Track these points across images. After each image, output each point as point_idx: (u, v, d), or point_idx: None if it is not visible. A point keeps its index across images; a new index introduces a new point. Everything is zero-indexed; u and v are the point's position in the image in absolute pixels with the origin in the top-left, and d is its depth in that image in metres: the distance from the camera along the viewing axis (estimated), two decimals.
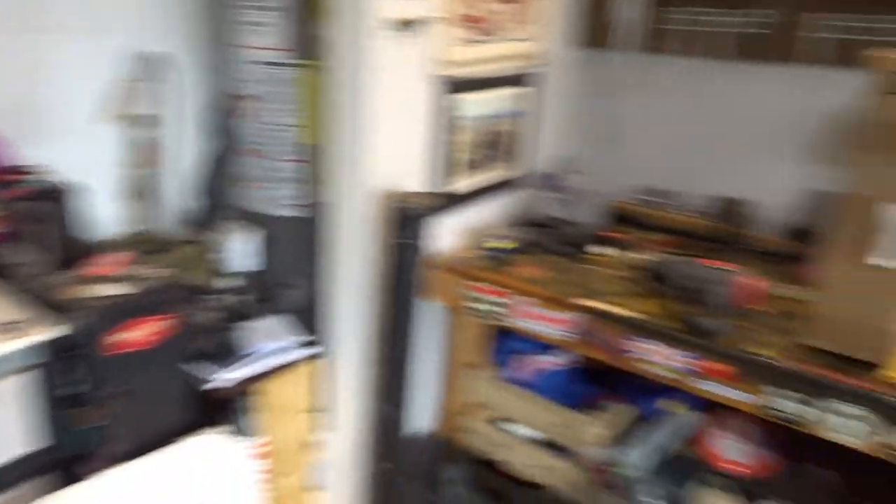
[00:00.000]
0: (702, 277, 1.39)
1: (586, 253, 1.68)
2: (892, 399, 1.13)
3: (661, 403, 1.57)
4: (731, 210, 1.75)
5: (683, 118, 1.83)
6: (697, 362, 1.30)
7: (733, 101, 1.76)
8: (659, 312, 1.39)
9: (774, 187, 1.73)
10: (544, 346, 1.68)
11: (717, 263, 1.40)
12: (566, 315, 1.46)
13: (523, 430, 1.70)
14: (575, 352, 1.62)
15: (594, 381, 1.71)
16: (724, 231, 1.73)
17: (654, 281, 1.47)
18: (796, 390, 1.21)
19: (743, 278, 1.36)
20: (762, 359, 1.24)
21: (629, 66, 1.88)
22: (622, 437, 1.53)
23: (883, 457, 1.15)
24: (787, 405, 1.22)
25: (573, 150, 2.00)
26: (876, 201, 1.14)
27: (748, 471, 1.47)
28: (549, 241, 1.70)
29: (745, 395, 1.26)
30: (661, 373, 1.36)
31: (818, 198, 1.66)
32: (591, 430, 1.53)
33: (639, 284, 1.50)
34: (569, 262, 1.64)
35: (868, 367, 1.20)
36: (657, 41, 1.81)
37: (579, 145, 2.00)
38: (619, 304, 1.43)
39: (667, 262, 1.46)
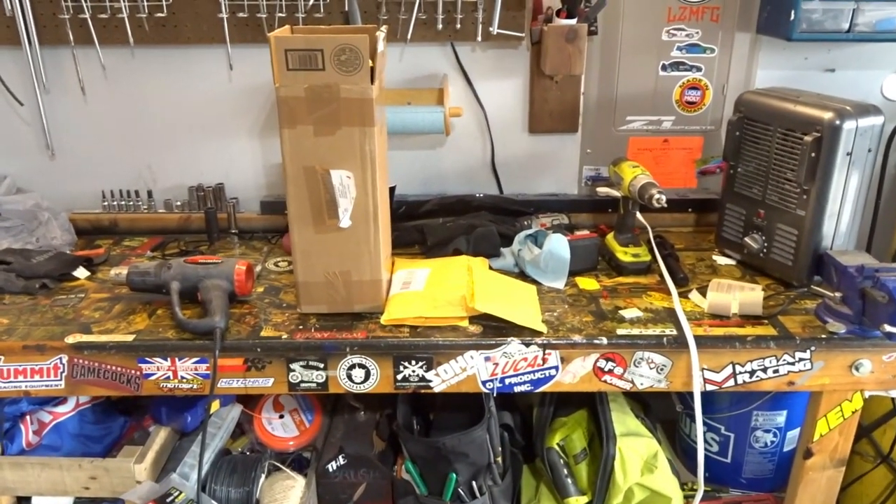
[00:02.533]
0: (193, 277, 1.30)
1: (62, 281, 1.44)
2: (385, 340, 1.24)
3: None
4: (205, 197, 1.69)
5: (128, 111, 1.66)
6: (207, 366, 1.23)
7: (175, 86, 1.64)
8: (157, 326, 1.27)
9: (242, 166, 1.71)
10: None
11: (203, 258, 1.33)
12: (51, 362, 1.23)
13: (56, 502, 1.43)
14: (79, 395, 1.40)
15: (122, 410, 1.52)
16: (204, 219, 1.66)
17: (146, 290, 1.33)
18: (309, 360, 1.24)
19: (234, 265, 1.32)
20: (266, 342, 1.23)
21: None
22: (170, 461, 1.40)
23: (393, 391, 1.27)
24: (307, 374, 1.25)
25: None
26: (317, 169, 1.18)
27: (298, 442, 1.50)
28: (3, 280, 1.40)
29: (264, 380, 1.25)
30: (182, 386, 1.25)
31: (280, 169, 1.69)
32: (133, 469, 1.35)
33: (127, 302, 1.35)
34: (39, 299, 1.38)
35: (370, 316, 1.29)
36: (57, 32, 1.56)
37: (7, 158, 1.69)
38: (113, 330, 1.26)
39: (143, 271, 1.33)
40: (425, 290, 1.34)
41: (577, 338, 1.24)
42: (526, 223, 1.65)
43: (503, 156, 1.73)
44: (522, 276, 1.47)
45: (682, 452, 1.67)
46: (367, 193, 1.22)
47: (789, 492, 1.44)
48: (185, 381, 1.25)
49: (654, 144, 1.74)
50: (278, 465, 1.41)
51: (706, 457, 1.42)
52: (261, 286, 1.43)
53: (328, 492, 1.47)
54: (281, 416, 1.52)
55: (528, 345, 1.24)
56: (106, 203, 1.70)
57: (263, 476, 1.39)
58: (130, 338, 1.23)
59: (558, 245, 1.44)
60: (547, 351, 1.24)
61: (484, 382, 1.26)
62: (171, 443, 1.44)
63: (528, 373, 1.26)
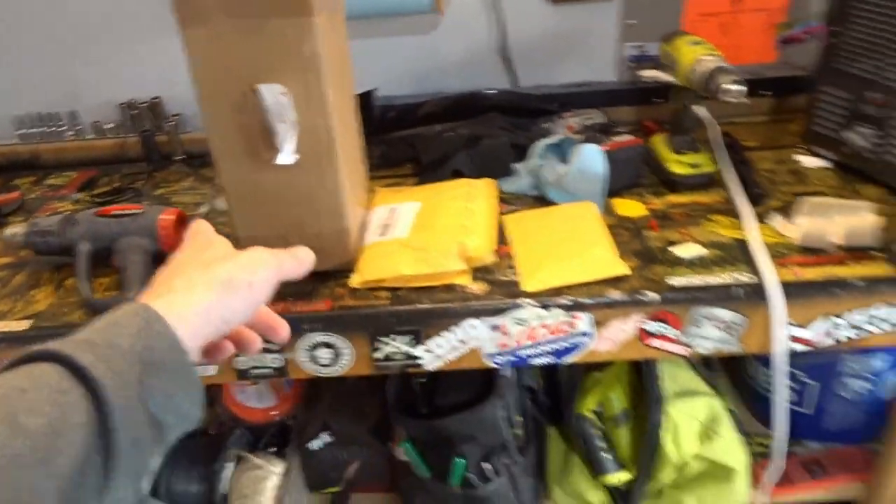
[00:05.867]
0: (106, 235, 0.99)
1: None
2: (355, 311, 0.93)
3: None
4: (140, 115, 1.34)
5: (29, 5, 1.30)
6: None
7: None
8: (63, 303, 0.98)
9: (184, 71, 1.33)
10: None
11: (119, 208, 1.01)
12: None
13: None
14: None
15: None
16: (140, 144, 1.33)
17: (52, 254, 1.03)
18: None
19: (157, 216, 1.00)
20: None
21: None
22: None
23: (373, 372, 0.98)
24: (259, 359, 0.96)
25: None
26: (243, 83, 0.83)
27: (278, 410, 1.25)
28: None
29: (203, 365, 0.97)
30: None
31: None
32: None
33: (34, 268, 1.06)
34: None
35: (338, 276, 0.98)
36: None
37: None
38: (7, 313, 0.97)
39: (44, 230, 1.02)
40: (411, 235, 1.01)
41: (615, 294, 0.91)
42: (546, 127, 1.27)
43: (517, 37, 1.32)
44: (541, 201, 1.13)
45: (748, 397, 1.36)
46: (312, 112, 0.86)
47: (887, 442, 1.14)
48: None
49: (721, 7, 1.30)
50: (243, 454, 1.16)
51: None
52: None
53: (314, 473, 1.23)
54: (255, 383, 1.26)
55: (546, 307, 0.91)
56: (23, 131, 1.37)
57: (232, 465, 1.14)
58: (25, 325, 0.95)
59: (590, 158, 1.08)
60: (574, 314, 0.92)
61: (491, 356, 0.96)
62: None
63: (550, 342, 0.95)
